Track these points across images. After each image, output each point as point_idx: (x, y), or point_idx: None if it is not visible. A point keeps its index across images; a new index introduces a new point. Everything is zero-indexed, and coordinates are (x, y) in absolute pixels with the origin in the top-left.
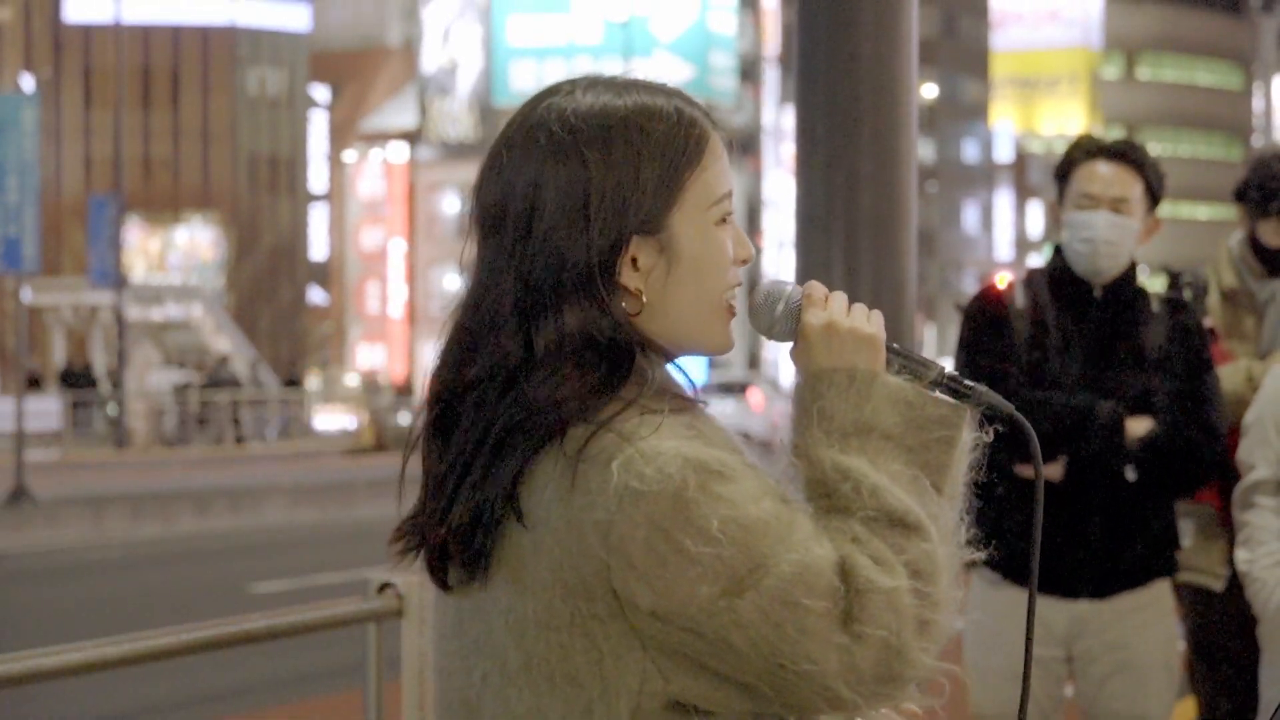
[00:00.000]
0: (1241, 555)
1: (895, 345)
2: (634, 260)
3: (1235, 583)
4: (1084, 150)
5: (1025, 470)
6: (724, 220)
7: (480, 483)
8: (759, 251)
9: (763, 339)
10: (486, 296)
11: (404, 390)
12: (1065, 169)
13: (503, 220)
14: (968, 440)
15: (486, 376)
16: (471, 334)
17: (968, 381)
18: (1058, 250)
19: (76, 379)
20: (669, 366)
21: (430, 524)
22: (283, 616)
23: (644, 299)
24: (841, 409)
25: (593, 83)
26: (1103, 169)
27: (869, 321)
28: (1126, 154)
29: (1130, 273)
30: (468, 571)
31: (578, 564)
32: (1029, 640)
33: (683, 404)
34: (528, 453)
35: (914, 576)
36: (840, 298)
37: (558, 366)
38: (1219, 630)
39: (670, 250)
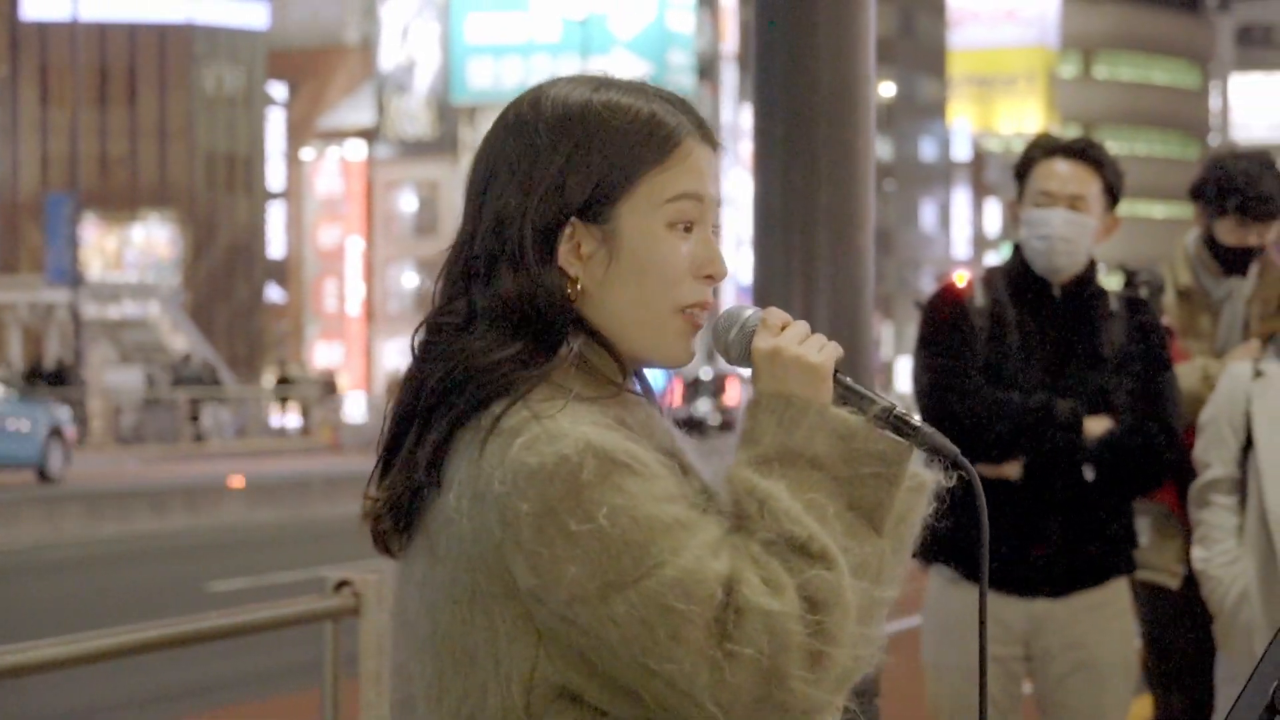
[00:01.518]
0: (1198, 553)
1: (844, 378)
2: (578, 246)
3: (1190, 580)
4: (1042, 148)
5: (983, 469)
6: (685, 228)
7: (413, 449)
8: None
9: None
10: (452, 260)
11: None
12: (1024, 167)
13: (470, 190)
14: (924, 480)
15: (435, 335)
16: (439, 295)
17: (913, 420)
18: (1017, 248)
19: (48, 378)
20: (609, 358)
21: (368, 490)
22: (240, 615)
23: (579, 285)
24: (770, 433)
25: (587, 79)
26: (1061, 167)
27: (819, 352)
28: (1085, 152)
29: (1090, 271)
30: (399, 540)
31: (479, 537)
32: (982, 646)
33: (614, 395)
34: (453, 422)
35: (807, 605)
36: (799, 327)
37: (488, 329)
38: (1174, 628)
39: (613, 242)
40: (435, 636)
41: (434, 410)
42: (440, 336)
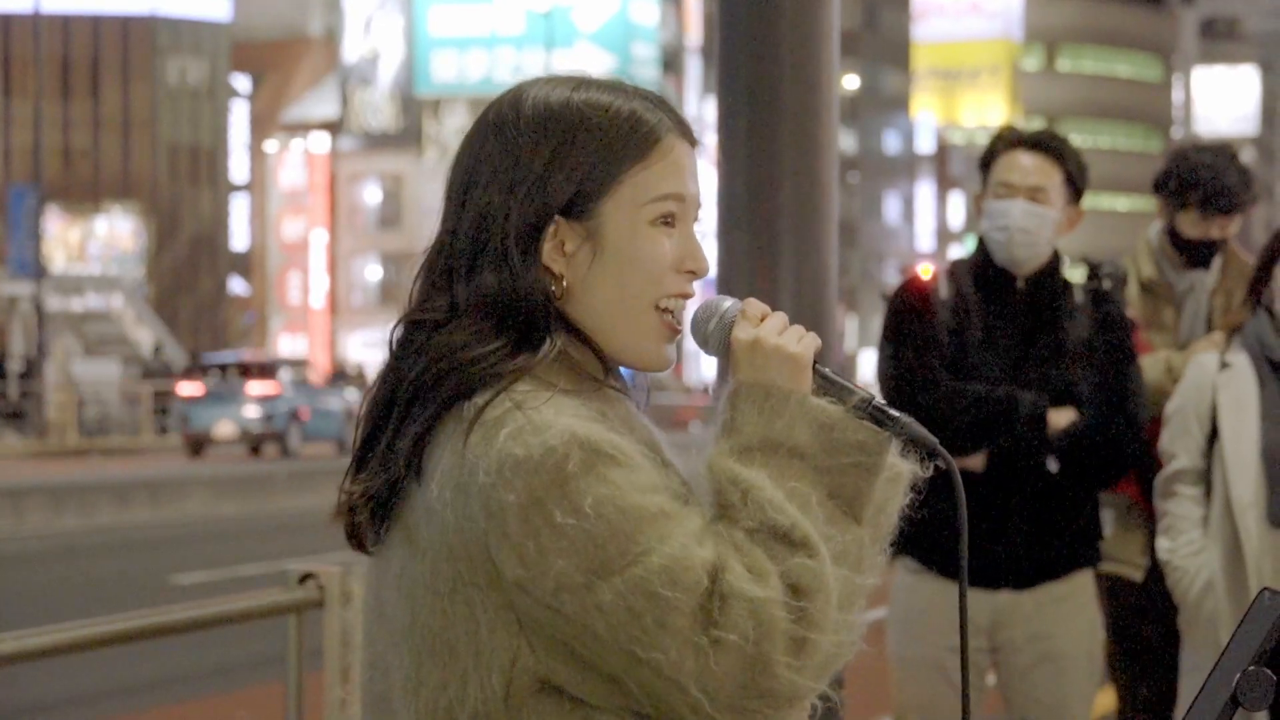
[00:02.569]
0: (1163, 544)
1: (823, 369)
2: (562, 244)
3: (1154, 572)
4: (1005, 141)
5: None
6: (666, 223)
7: (390, 443)
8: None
9: None
10: (432, 259)
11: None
12: (988, 159)
13: (450, 189)
14: (901, 470)
15: (414, 331)
16: (416, 294)
17: (892, 411)
18: (981, 241)
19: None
20: (591, 354)
21: (343, 485)
22: (204, 608)
23: (564, 283)
24: (751, 423)
25: (567, 79)
26: (1022, 159)
27: (798, 342)
28: (1046, 144)
29: (1054, 263)
30: (375, 533)
31: (462, 528)
32: (963, 640)
33: (595, 389)
34: (433, 415)
35: (791, 592)
36: (778, 318)
37: (470, 325)
38: (1138, 619)
39: (596, 238)
40: (414, 628)
41: (413, 403)
42: (419, 332)
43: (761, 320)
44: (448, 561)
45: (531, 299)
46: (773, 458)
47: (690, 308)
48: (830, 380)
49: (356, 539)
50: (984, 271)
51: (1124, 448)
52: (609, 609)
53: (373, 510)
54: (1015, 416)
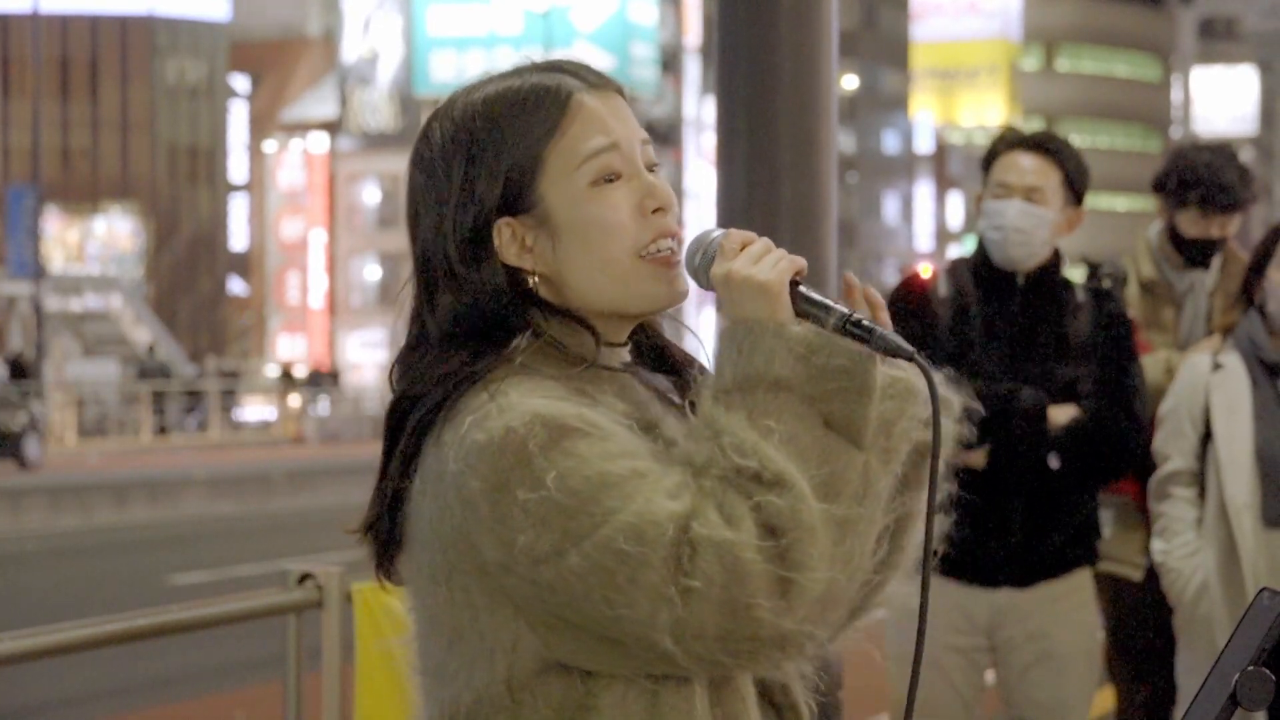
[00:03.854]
0: (1157, 546)
1: (805, 290)
2: (522, 241)
3: (1153, 572)
4: (1005, 142)
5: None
6: (608, 180)
7: (384, 468)
8: (680, 242)
9: None
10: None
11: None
12: (988, 160)
13: (408, 233)
14: (910, 384)
15: (400, 365)
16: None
17: (867, 323)
18: (980, 240)
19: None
20: (580, 335)
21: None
22: (203, 608)
23: (535, 276)
24: (729, 363)
25: (466, 87)
26: (1021, 160)
27: (773, 268)
28: (1044, 145)
29: (1054, 262)
30: (389, 560)
31: (443, 518)
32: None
33: (581, 371)
34: (418, 431)
35: (766, 533)
36: (758, 245)
37: (439, 347)
38: (1137, 619)
39: (548, 223)
40: (428, 619)
41: (397, 431)
42: (402, 364)
43: (742, 250)
44: (439, 551)
45: (488, 305)
46: (751, 395)
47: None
48: (813, 301)
49: (383, 571)
50: (983, 270)
51: (1126, 444)
52: (582, 572)
53: (375, 537)
54: (1016, 413)
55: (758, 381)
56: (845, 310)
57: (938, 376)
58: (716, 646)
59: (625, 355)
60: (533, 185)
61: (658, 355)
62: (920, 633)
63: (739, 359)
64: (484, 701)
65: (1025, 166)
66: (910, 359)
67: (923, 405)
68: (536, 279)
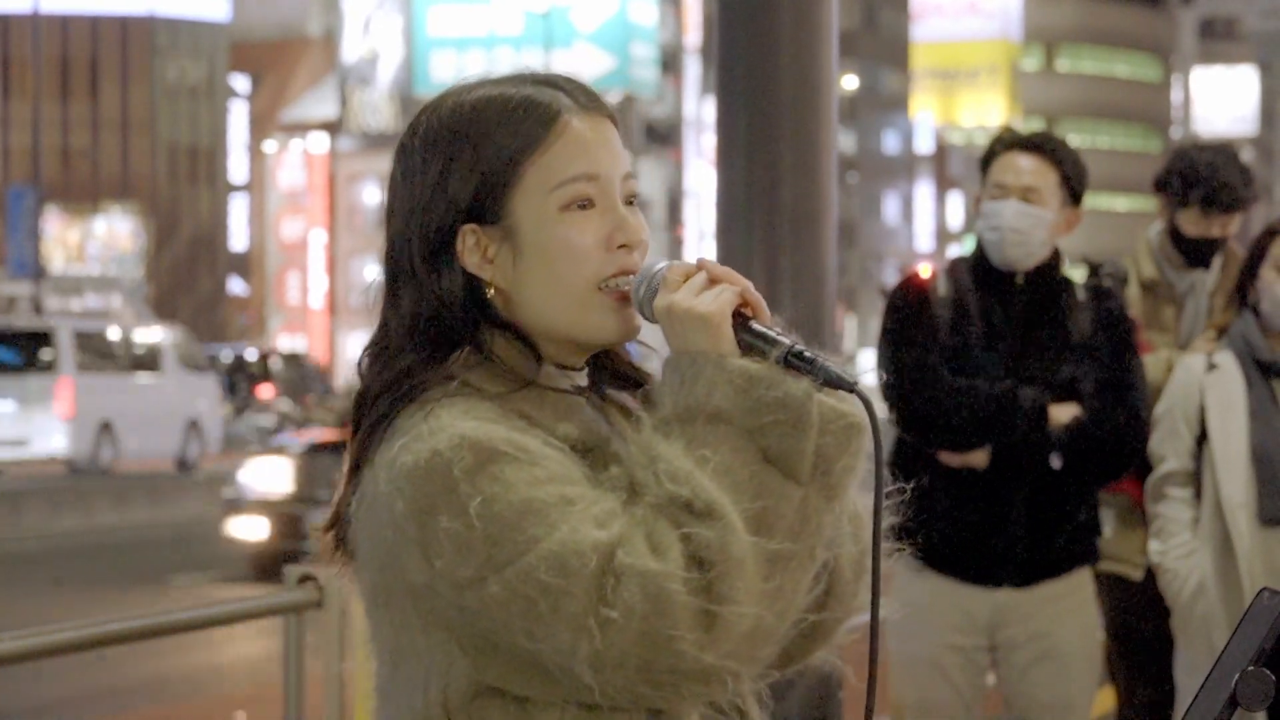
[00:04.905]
0: (1154, 546)
1: (749, 322)
2: (485, 250)
3: (1153, 572)
4: (1003, 142)
5: (949, 458)
6: (581, 206)
7: (342, 474)
8: (680, 243)
9: None
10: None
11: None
12: (986, 160)
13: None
14: (857, 420)
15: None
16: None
17: (809, 354)
18: (979, 240)
19: None
20: (521, 353)
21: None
22: (202, 609)
23: (492, 289)
24: (671, 394)
25: (464, 86)
26: (1018, 160)
27: (714, 300)
28: (1041, 145)
29: (1054, 262)
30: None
31: (376, 539)
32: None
33: (520, 389)
34: (363, 440)
35: (694, 564)
36: (700, 277)
37: (396, 347)
38: (1137, 619)
39: (514, 238)
40: (375, 639)
41: (355, 431)
42: (368, 356)
43: (684, 282)
44: (375, 573)
45: (449, 310)
46: (690, 426)
47: None
48: (756, 333)
49: (344, 566)
50: (983, 270)
51: (1127, 443)
52: (504, 600)
53: (335, 541)
54: (1016, 412)
55: (697, 412)
56: (788, 342)
57: (872, 407)
58: (637, 679)
59: (580, 379)
60: (505, 197)
61: (625, 378)
62: (872, 657)
63: (680, 389)
64: None
65: (1022, 167)
66: (851, 390)
67: (868, 440)
68: (493, 291)
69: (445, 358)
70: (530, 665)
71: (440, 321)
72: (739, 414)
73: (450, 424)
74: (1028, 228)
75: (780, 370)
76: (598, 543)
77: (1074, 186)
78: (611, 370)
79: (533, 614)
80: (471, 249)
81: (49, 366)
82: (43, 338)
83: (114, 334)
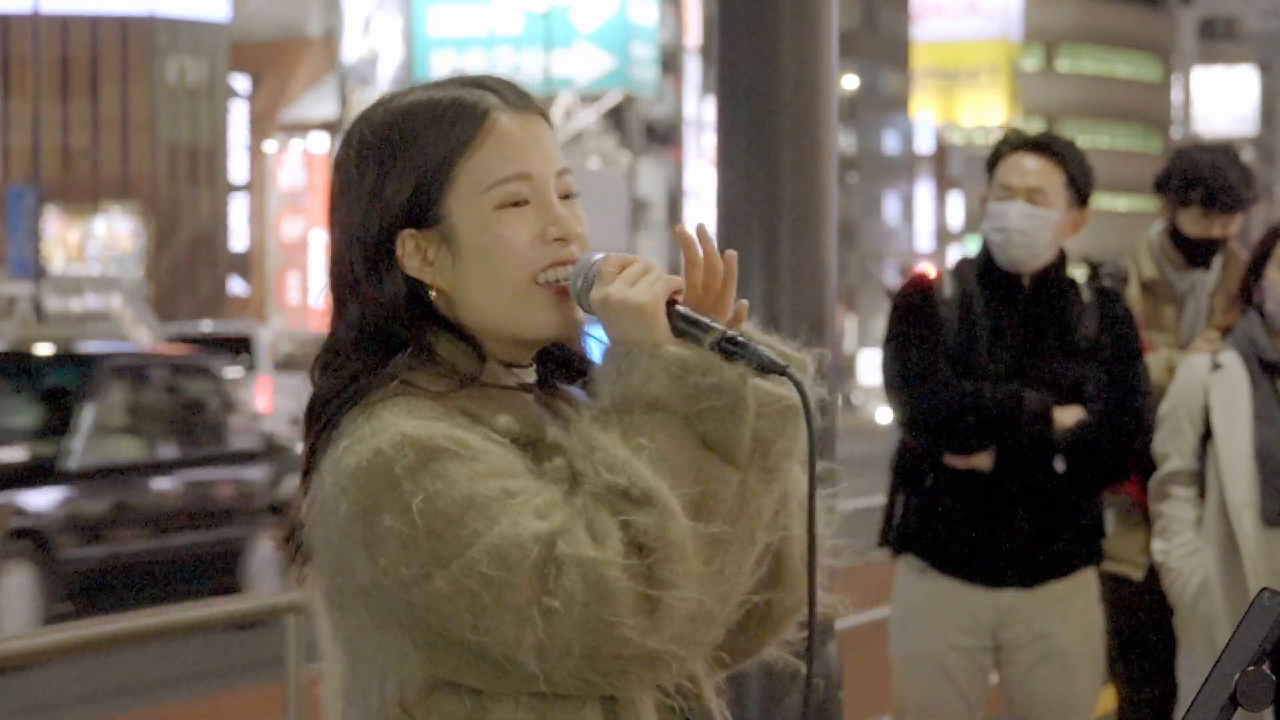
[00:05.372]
0: (1158, 546)
1: (682, 309)
2: (425, 254)
3: (1154, 572)
4: (1009, 143)
5: (954, 461)
6: (515, 204)
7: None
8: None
9: None
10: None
11: None
12: (993, 161)
13: None
14: (792, 402)
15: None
16: None
17: (741, 339)
18: (985, 241)
19: None
20: (464, 352)
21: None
22: (204, 608)
23: (434, 291)
24: (609, 384)
25: (394, 93)
26: (1024, 161)
27: (650, 288)
28: (1048, 146)
29: (1059, 263)
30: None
31: (326, 540)
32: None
33: (462, 387)
34: (311, 449)
35: (633, 550)
36: (635, 267)
37: (341, 355)
38: (1138, 619)
39: (451, 240)
40: (335, 641)
41: (309, 431)
42: (319, 364)
43: (620, 273)
44: (329, 574)
45: (388, 315)
46: (628, 415)
47: None
48: (690, 320)
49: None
50: (989, 271)
51: (1131, 446)
52: (450, 595)
53: (289, 551)
54: (1021, 415)
55: (634, 401)
56: (721, 328)
57: (812, 391)
58: (584, 665)
59: (528, 376)
60: (440, 199)
61: (577, 371)
62: (810, 643)
63: (617, 380)
64: None
65: (1028, 168)
66: (783, 374)
67: (799, 423)
68: (436, 293)
69: (377, 365)
70: (481, 658)
71: (385, 328)
72: (675, 401)
73: (392, 423)
74: (1033, 229)
75: (714, 356)
76: (538, 534)
77: (1080, 188)
78: (563, 363)
79: (477, 607)
80: (412, 253)
81: (250, 367)
82: (243, 342)
83: (302, 338)
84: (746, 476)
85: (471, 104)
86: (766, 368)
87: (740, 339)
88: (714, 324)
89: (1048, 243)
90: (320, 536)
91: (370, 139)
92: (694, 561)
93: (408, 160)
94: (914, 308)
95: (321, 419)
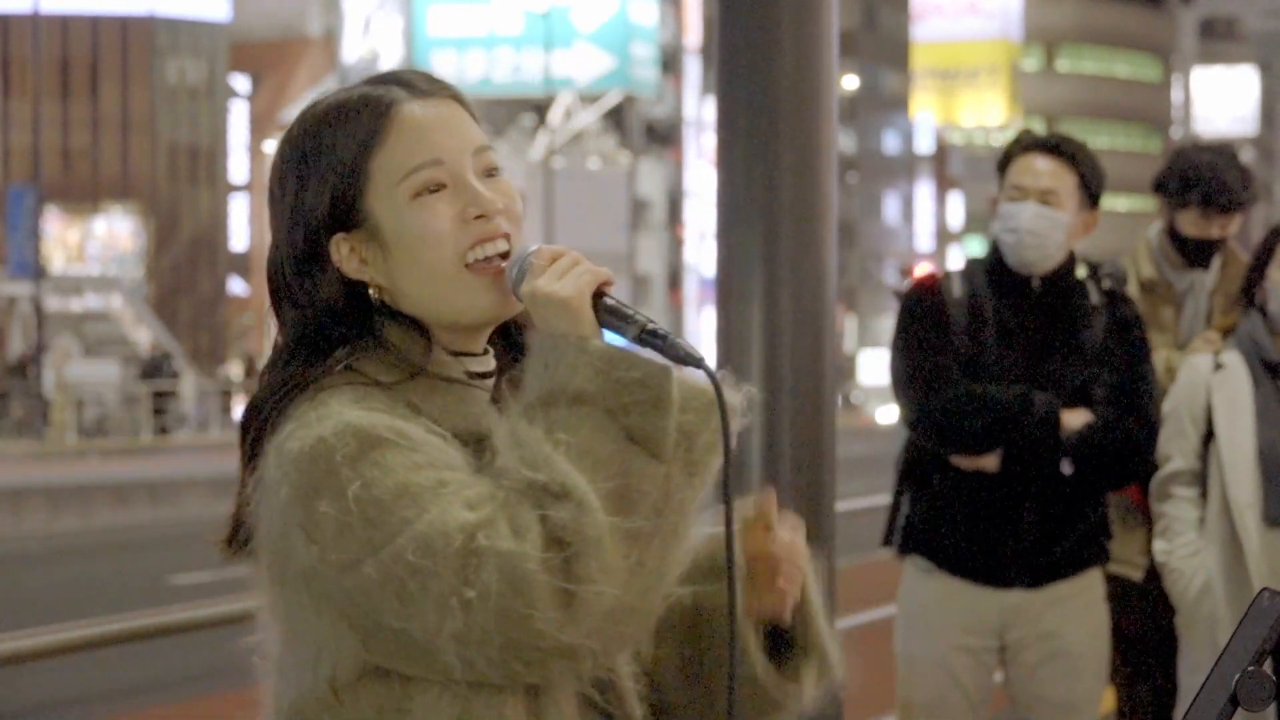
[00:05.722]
0: (1160, 546)
1: (609, 301)
2: (358, 255)
3: (1154, 572)
4: (1021, 144)
5: (960, 461)
6: (432, 190)
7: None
8: (680, 243)
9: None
10: None
11: None
12: (1004, 162)
13: None
14: (712, 397)
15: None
16: None
17: (661, 331)
18: (995, 242)
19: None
20: (413, 343)
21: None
22: (203, 608)
23: (374, 290)
24: (535, 379)
25: (316, 98)
26: (1036, 162)
27: (575, 281)
28: (1059, 148)
29: (1069, 265)
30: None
31: (269, 522)
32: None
33: (410, 379)
34: (254, 448)
35: (552, 544)
36: (564, 260)
37: (282, 358)
38: (1137, 619)
39: (379, 237)
40: (274, 615)
41: (244, 438)
42: (263, 375)
43: (550, 266)
44: (270, 556)
45: (324, 318)
46: (553, 409)
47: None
48: (614, 312)
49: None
50: (998, 272)
51: (1138, 449)
52: (379, 581)
53: (231, 545)
54: (1028, 417)
55: (559, 395)
56: (643, 320)
57: (727, 384)
58: (506, 656)
59: (483, 364)
60: (359, 199)
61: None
62: (732, 635)
63: (543, 374)
64: (311, 701)
65: (1040, 169)
66: (699, 366)
67: (720, 418)
68: (376, 291)
69: (315, 363)
70: (408, 645)
71: (324, 331)
72: (600, 395)
73: (337, 412)
74: (1045, 230)
75: (637, 349)
76: (464, 524)
77: (1092, 189)
78: (521, 345)
79: (404, 594)
80: (347, 256)
81: None
82: None
83: None
84: (670, 470)
85: (376, 99)
86: (682, 360)
87: (661, 331)
88: (637, 316)
89: (1059, 244)
90: (264, 517)
91: (287, 151)
92: (612, 556)
93: (323, 167)
94: (923, 308)
95: (263, 412)
